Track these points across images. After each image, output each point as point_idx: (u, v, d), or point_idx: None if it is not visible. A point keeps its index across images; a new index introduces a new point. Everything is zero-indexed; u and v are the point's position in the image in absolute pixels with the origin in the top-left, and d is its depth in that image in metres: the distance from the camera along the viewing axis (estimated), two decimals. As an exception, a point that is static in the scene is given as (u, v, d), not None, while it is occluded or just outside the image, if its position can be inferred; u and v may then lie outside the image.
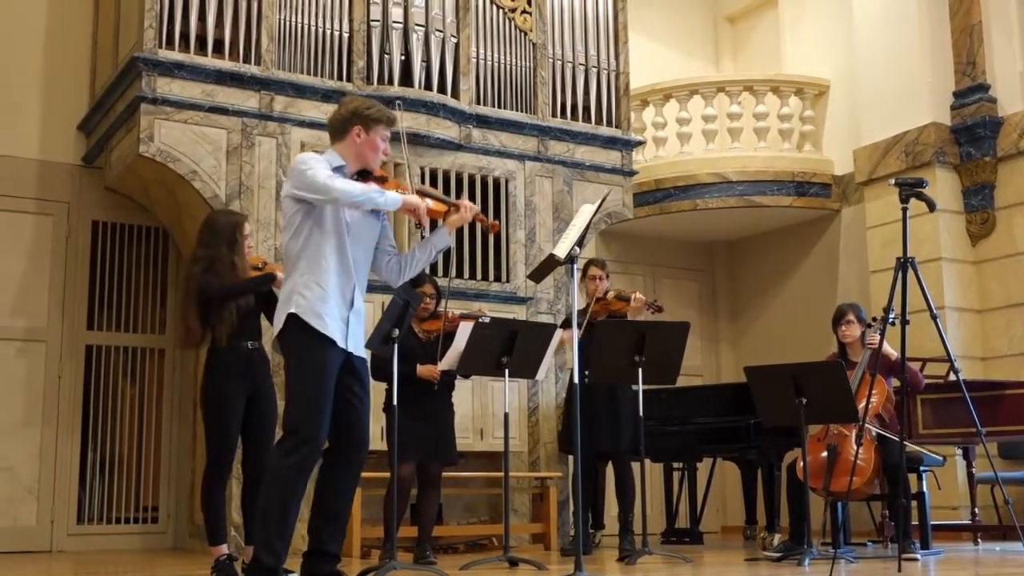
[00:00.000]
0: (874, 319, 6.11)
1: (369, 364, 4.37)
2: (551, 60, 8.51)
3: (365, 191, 4.02)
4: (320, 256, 4.04)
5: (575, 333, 5.00)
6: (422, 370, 5.95)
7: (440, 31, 7.90)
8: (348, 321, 4.06)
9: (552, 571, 5.53)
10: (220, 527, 5.18)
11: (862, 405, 5.51)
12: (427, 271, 6.01)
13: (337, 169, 4.09)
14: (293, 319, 4.00)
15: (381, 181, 4.20)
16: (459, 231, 7.62)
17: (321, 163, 4.03)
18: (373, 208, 4.09)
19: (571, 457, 7.38)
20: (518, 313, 7.92)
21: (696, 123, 9.74)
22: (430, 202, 4.27)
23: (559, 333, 6.14)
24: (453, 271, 7.72)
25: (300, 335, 4.00)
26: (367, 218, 4.17)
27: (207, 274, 5.11)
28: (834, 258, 9.85)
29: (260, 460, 5.04)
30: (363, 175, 4.18)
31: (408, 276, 4.36)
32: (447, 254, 7.75)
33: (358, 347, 4.14)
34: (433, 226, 4.33)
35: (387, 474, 5.63)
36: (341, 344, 4.02)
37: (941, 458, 6.68)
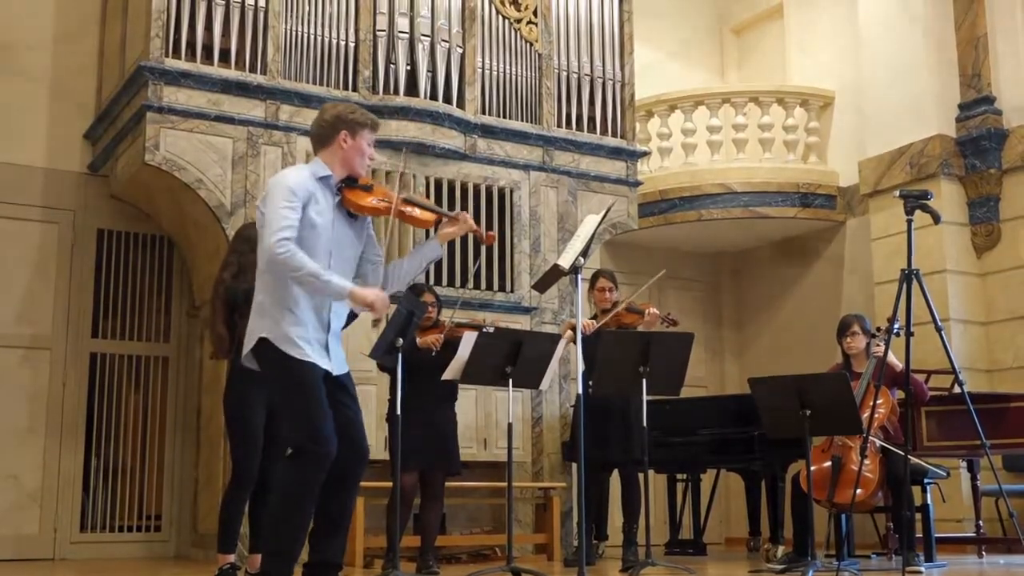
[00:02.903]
0: (878, 329, 6.10)
1: (375, 366, 4.31)
2: (556, 71, 8.52)
3: (309, 271, 3.72)
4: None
5: (579, 338, 5.01)
6: (423, 339, 5.90)
7: (446, 41, 7.91)
8: (327, 344, 3.90)
9: (555, 582, 5.52)
10: (232, 536, 5.20)
11: (866, 416, 5.50)
12: (425, 280, 5.98)
13: (323, 179, 3.94)
14: (264, 342, 3.83)
15: (367, 189, 4.04)
16: (464, 240, 7.64)
17: (294, 203, 3.78)
18: (315, 292, 3.81)
19: (575, 467, 7.37)
20: (522, 323, 7.92)
21: (701, 134, 9.73)
22: (417, 211, 4.11)
23: (569, 335, 6.17)
24: (471, 282, 7.71)
25: (275, 355, 3.83)
26: (347, 231, 4.02)
27: (235, 280, 5.13)
28: (839, 270, 9.84)
29: (271, 471, 5.04)
30: (349, 182, 4.01)
31: (394, 288, 4.16)
32: (459, 264, 7.76)
33: (342, 367, 3.99)
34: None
35: (390, 484, 5.62)
36: (326, 367, 3.88)
37: (945, 470, 6.66)
